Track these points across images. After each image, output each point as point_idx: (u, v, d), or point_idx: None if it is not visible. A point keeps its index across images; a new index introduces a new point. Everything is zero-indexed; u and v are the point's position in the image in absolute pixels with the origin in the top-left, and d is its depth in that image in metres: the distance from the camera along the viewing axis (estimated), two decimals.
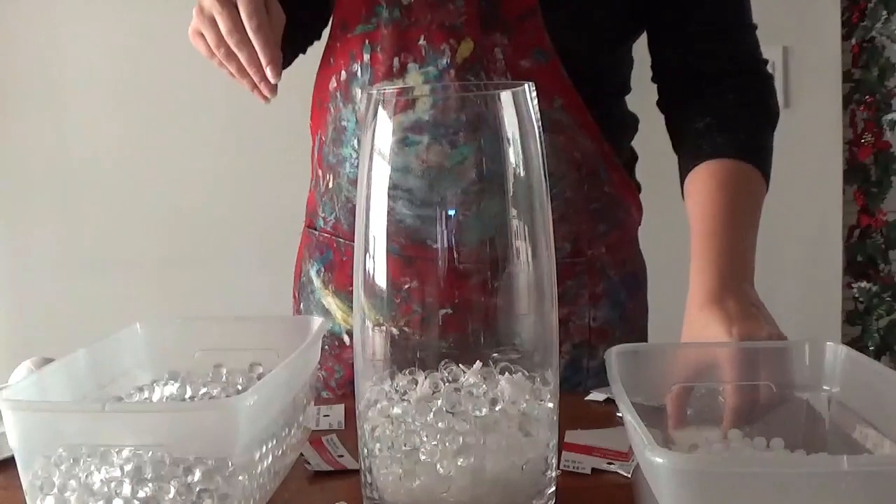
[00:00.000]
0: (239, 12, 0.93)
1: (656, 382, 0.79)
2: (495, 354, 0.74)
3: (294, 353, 0.79)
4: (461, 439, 0.69)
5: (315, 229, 1.15)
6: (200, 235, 2.20)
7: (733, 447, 0.75)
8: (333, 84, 1.08)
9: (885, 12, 2.25)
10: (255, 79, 0.96)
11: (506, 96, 0.72)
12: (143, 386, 0.85)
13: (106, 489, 0.66)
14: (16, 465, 0.69)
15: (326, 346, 1.12)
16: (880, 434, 0.72)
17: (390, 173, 0.73)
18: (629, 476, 0.80)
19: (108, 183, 2.19)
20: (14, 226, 2.23)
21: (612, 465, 0.83)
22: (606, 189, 1.09)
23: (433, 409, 0.71)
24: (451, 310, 0.73)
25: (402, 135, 0.81)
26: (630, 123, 1.17)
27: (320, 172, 1.13)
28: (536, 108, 0.74)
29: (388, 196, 0.73)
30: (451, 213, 0.73)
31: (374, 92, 0.74)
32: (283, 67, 1.12)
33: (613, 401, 0.72)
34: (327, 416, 0.98)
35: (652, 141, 1.18)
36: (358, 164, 0.76)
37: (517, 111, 0.72)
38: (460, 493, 0.69)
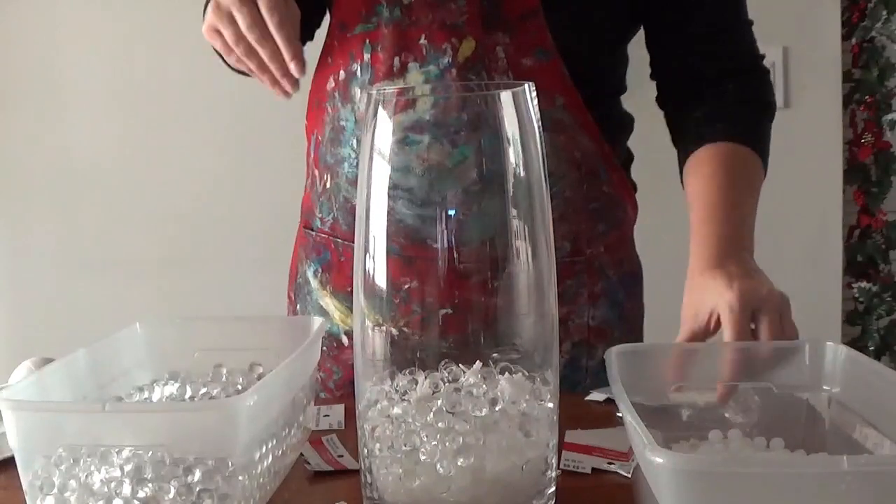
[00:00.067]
0: (257, 8, 0.92)
1: (656, 382, 0.79)
2: (495, 354, 0.74)
3: (294, 353, 0.79)
4: (461, 439, 0.69)
5: (312, 230, 1.15)
6: (200, 235, 2.20)
7: (733, 447, 0.75)
8: (332, 84, 1.08)
9: (885, 12, 2.25)
10: (278, 74, 0.94)
11: (506, 96, 0.72)
12: (143, 386, 0.85)
13: (106, 489, 0.66)
14: (16, 465, 0.69)
15: (325, 348, 1.11)
16: (880, 434, 0.72)
17: (390, 173, 0.73)
18: (629, 476, 0.80)
19: (109, 183, 2.19)
20: (14, 226, 2.23)
21: (612, 465, 0.83)
22: (605, 189, 1.10)
23: (433, 409, 0.71)
24: (451, 310, 0.72)
25: (402, 134, 0.81)
26: (627, 123, 1.17)
27: (317, 172, 1.13)
28: (536, 108, 0.74)
29: (388, 196, 0.73)
30: (452, 212, 0.73)
31: (374, 92, 0.74)
32: None
33: (613, 401, 0.72)
34: (327, 416, 0.98)
35: (646, 141, 1.18)
36: (357, 163, 0.76)
37: (517, 111, 0.72)
38: (460, 493, 0.69)
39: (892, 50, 2.27)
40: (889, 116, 2.28)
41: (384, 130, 0.73)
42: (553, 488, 0.74)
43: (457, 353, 0.74)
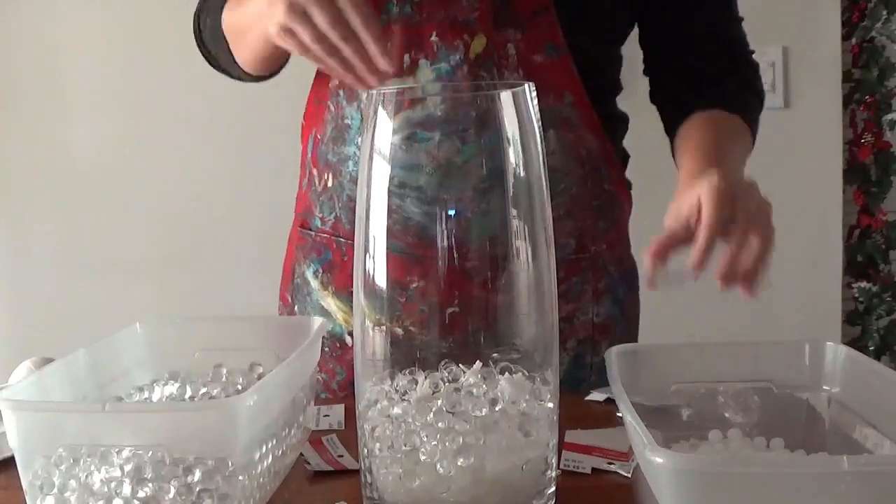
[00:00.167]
0: (335, 5, 0.88)
1: (656, 382, 0.79)
2: (495, 354, 0.74)
3: (294, 353, 0.79)
4: (461, 439, 0.69)
5: (310, 230, 1.14)
6: (200, 235, 2.20)
7: (733, 447, 0.75)
8: (335, 82, 1.08)
9: (885, 12, 2.25)
10: (364, 71, 0.89)
11: (506, 96, 0.73)
12: (143, 386, 0.85)
13: (106, 489, 0.66)
14: (16, 465, 0.69)
15: (327, 348, 1.11)
16: (880, 434, 0.72)
17: (398, 171, 0.73)
18: (629, 476, 0.80)
19: (109, 183, 2.19)
20: (14, 226, 2.23)
21: (612, 465, 0.83)
22: (606, 186, 1.10)
23: (433, 409, 0.71)
24: (458, 308, 0.72)
25: (411, 131, 0.81)
26: (623, 121, 1.18)
27: (315, 171, 1.12)
28: (536, 108, 0.74)
29: (396, 195, 0.73)
30: (461, 210, 0.73)
31: (374, 92, 0.74)
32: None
33: (613, 401, 0.72)
34: (327, 416, 0.98)
35: (639, 140, 1.19)
36: None
37: (517, 111, 0.73)
38: (460, 493, 0.69)
39: (892, 50, 2.27)
40: (889, 116, 2.28)
41: (384, 130, 0.73)
42: (553, 488, 0.74)
43: (457, 353, 0.74)
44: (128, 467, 0.65)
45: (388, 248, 0.74)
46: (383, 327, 0.73)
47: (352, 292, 0.76)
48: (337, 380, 1.12)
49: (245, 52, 1.06)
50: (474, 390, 0.72)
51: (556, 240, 0.77)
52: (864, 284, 2.32)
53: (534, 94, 0.74)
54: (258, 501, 0.74)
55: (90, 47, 2.16)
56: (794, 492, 0.57)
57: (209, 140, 2.17)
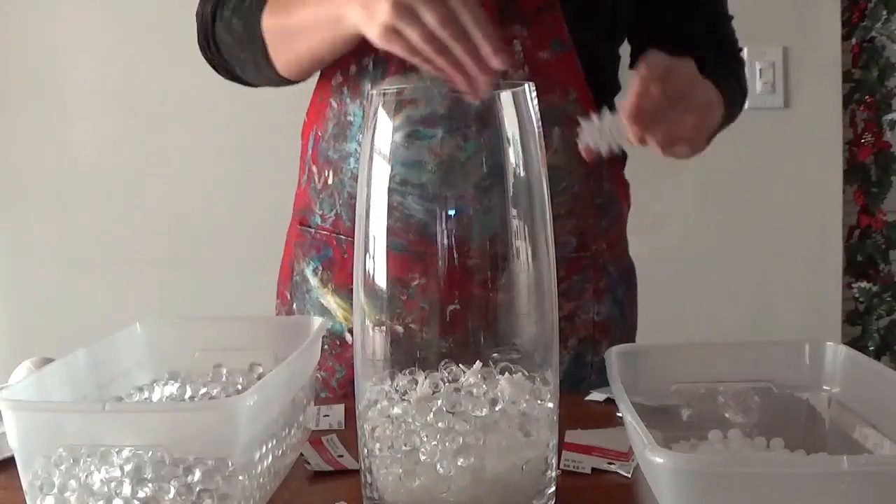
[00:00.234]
0: (446, 3, 0.86)
1: (656, 382, 0.79)
2: (495, 354, 0.74)
3: (294, 353, 0.79)
4: (461, 439, 0.69)
5: (310, 227, 1.14)
6: (200, 235, 2.20)
7: (733, 447, 0.75)
8: (339, 79, 1.08)
9: (885, 12, 2.25)
10: (475, 72, 0.85)
11: (506, 96, 0.73)
12: (143, 386, 0.85)
13: (106, 489, 0.66)
14: (16, 465, 0.69)
15: (327, 346, 1.11)
16: (880, 434, 0.72)
17: (400, 169, 0.73)
18: (629, 476, 0.80)
19: (108, 183, 2.19)
20: (14, 226, 2.23)
21: (612, 465, 0.83)
22: (607, 185, 1.11)
23: (433, 409, 0.71)
24: (459, 305, 0.72)
25: (413, 128, 0.81)
26: None
27: (315, 169, 1.12)
28: (537, 107, 0.74)
29: (397, 192, 0.73)
30: (462, 208, 0.74)
31: (374, 92, 0.74)
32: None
33: (613, 401, 0.72)
34: (327, 416, 0.98)
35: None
36: None
37: (517, 111, 0.73)
38: (460, 493, 0.69)
39: (892, 50, 2.27)
40: (889, 116, 2.28)
41: (385, 128, 0.73)
42: (553, 488, 0.74)
43: (457, 353, 0.74)
44: (128, 467, 0.65)
45: (389, 246, 0.74)
46: (383, 327, 0.73)
47: (352, 290, 0.76)
48: (336, 377, 1.13)
49: (293, 55, 1.03)
50: (474, 390, 0.72)
51: (557, 238, 0.77)
52: (864, 284, 2.32)
53: (534, 94, 0.74)
54: (258, 501, 0.74)
55: (90, 47, 2.16)
56: (794, 492, 0.57)
57: (209, 140, 2.17)
